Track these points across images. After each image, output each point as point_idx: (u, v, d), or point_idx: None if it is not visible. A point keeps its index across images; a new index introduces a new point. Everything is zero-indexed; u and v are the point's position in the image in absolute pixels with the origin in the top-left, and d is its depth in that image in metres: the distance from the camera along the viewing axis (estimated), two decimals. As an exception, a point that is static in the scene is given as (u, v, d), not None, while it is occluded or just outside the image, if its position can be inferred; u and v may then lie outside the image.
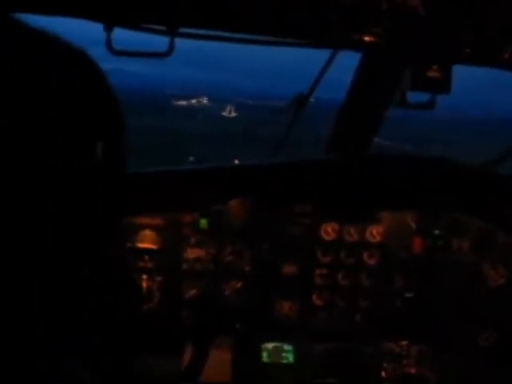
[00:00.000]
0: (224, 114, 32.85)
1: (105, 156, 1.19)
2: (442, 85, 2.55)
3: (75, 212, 1.18)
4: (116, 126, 1.25)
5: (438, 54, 2.52)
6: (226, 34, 2.67)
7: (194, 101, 37.92)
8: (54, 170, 1.09)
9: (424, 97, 2.76)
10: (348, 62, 3.44)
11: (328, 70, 3.23)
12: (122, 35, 2.51)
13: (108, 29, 2.35)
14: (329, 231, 3.53)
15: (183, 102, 36.74)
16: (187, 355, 3.37)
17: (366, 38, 2.58)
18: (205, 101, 38.10)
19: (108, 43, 2.35)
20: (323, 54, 3.23)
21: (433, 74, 2.53)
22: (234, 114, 32.19)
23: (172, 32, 2.46)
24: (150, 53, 2.46)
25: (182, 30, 2.51)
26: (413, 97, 2.79)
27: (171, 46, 2.46)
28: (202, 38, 2.63)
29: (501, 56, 2.47)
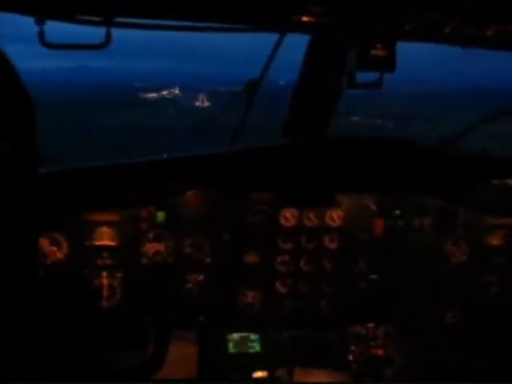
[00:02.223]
0: (197, 103, 32.60)
1: (14, 155, 1.17)
2: (387, 63, 2.57)
3: None
4: (26, 124, 1.23)
5: (380, 33, 2.54)
6: (167, 23, 2.65)
7: (164, 92, 37.55)
8: None
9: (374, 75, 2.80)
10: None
11: (277, 53, 3.21)
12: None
13: (40, 22, 2.31)
14: (288, 217, 3.56)
15: (154, 95, 36.37)
16: (150, 349, 3.40)
17: (308, 19, 2.58)
18: (176, 91, 37.75)
19: (40, 36, 2.31)
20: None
21: (377, 52, 2.55)
22: (207, 104, 31.94)
23: (108, 22, 2.43)
24: (86, 45, 2.43)
25: (120, 19, 2.48)
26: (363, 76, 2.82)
27: (108, 37, 2.43)
28: (141, 27, 2.60)
29: (442, 32, 2.51)
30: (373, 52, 2.56)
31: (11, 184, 1.22)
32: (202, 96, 32.18)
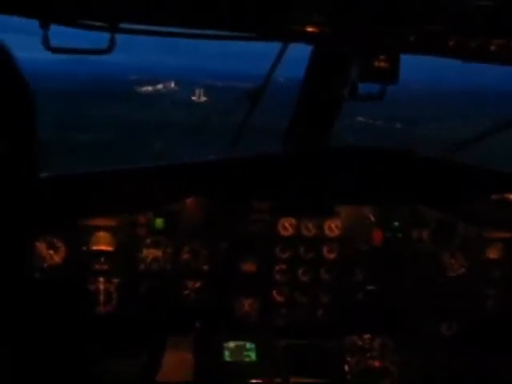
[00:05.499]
0: (193, 98, 32.50)
1: (10, 155, 1.15)
2: (390, 75, 2.60)
3: None
4: (25, 123, 1.21)
5: (383, 45, 2.56)
6: (170, 29, 2.67)
7: (160, 85, 37.41)
8: None
9: (376, 87, 2.82)
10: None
11: (280, 63, 3.23)
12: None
13: (44, 26, 2.32)
14: (286, 227, 3.60)
15: (149, 88, 36.24)
16: (145, 356, 3.42)
17: (311, 30, 2.60)
18: (172, 85, 37.63)
19: (44, 40, 2.32)
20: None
21: (380, 64, 2.58)
22: (203, 98, 31.85)
23: (112, 28, 2.44)
24: (90, 50, 2.44)
25: (123, 25, 2.50)
26: (365, 88, 2.84)
27: (112, 42, 2.45)
28: (145, 33, 2.62)
29: (446, 44, 2.53)
30: (375, 64, 2.59)
31: (8, 186, 1.21)
32: (198, 90, 32.09)
